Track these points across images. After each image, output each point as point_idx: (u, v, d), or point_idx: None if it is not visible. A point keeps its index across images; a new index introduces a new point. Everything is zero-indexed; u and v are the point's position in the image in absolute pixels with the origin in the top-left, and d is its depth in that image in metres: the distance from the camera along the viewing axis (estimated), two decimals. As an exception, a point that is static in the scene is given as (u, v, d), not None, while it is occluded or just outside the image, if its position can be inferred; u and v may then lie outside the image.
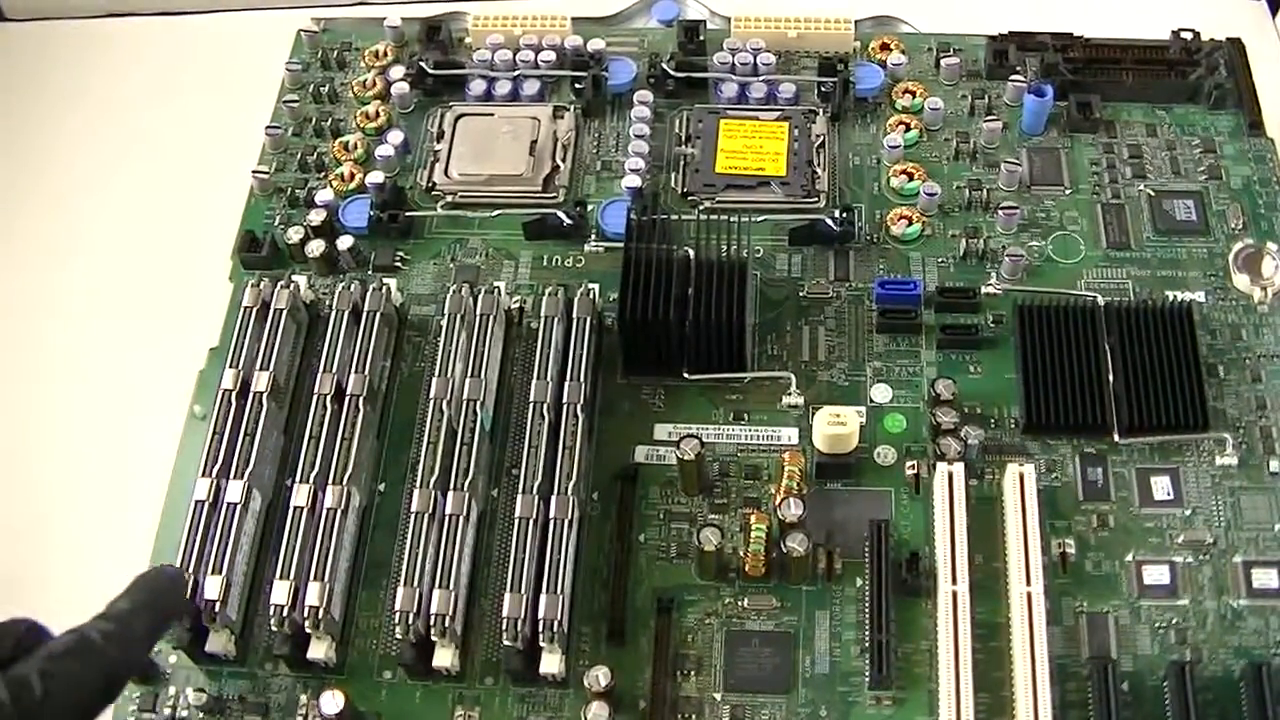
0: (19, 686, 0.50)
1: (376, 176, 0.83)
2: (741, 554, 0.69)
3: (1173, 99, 0.87)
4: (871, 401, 0.75)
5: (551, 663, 0.66)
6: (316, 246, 0.80)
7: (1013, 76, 0.87)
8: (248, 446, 0.70)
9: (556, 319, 0.74)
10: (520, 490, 0.69)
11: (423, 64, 0.89)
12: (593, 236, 0.82)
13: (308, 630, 0.66)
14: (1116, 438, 0.73)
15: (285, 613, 0.66)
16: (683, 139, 0.86)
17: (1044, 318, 0.76)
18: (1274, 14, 0.95)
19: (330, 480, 0.69)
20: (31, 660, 0.52)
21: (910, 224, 0.81)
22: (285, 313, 0.75)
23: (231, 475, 0.69)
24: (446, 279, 0.81)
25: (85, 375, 0.81)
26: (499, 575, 0.68)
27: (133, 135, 0.92)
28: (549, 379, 0.72)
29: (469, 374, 0.72)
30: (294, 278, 0.77)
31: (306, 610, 0.66)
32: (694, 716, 0.66)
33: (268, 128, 0.87)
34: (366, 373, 0.73)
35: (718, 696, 0.67)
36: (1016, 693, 0.63)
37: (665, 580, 0.70)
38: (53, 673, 0.51)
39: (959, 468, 0.69)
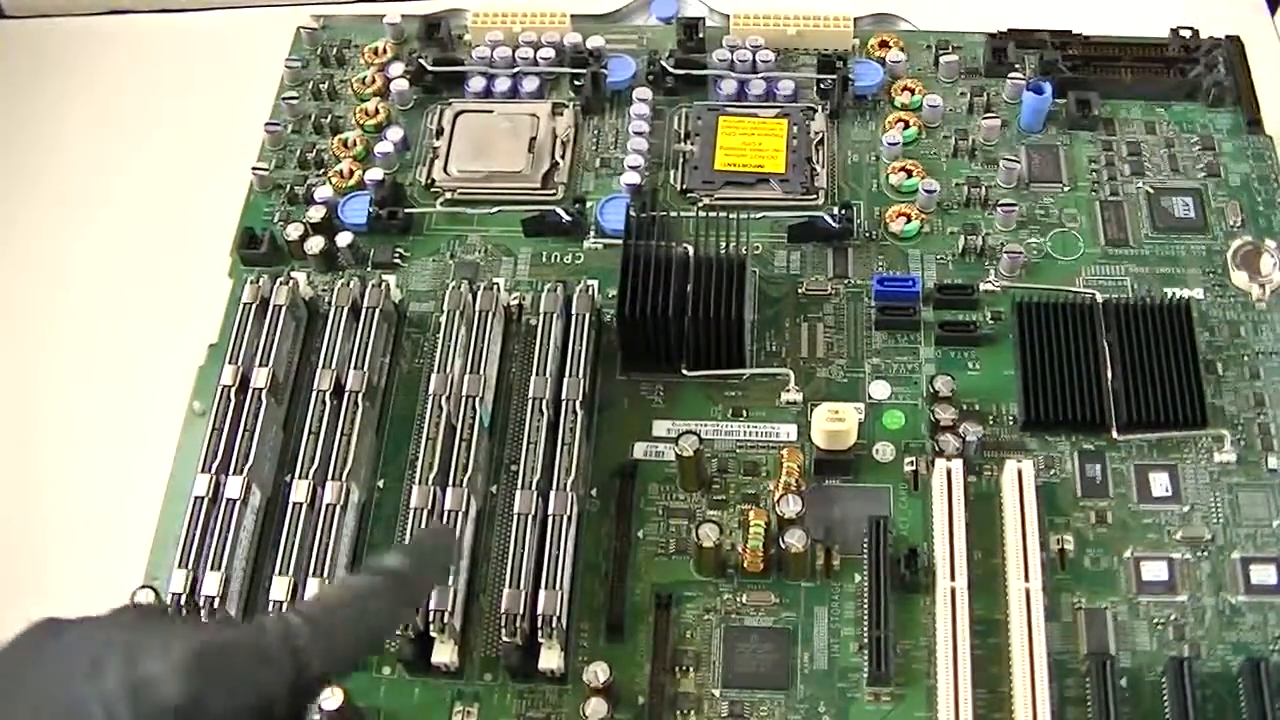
0: (294, 631, 0.51)
1: (376, 173, 0.83)
2: (740, 550, 0.69)
3: (1171, 96, 0.87)
4: (870, 398, 0.75)
5: (550, 658, 0.66)
6: (316, 243, 0.80)
7: (1011, 74, 0.87)
8: (247, 442, 0.70)
9: (555, 315, 0.74)
10: (519, 486, 0.69)
11: (422, 61, 0.89)
12: (592, 233, 0.82)
13: (307, 626, 0.66)
14: (1115, 434, 0.73)
15: (284, 609, 0.66)
16: (682, 136, 0.86)
17: (1042, 314, 0.76)
18: (1273, 12, 0.95)
19: (329, 476, 0.69)
20: (307, 608, 0.52)
21: (909, 221, 0.81)
22: (284, 309, 0.75)
23: (231, 471, 0.69)
24: (445, 275, 0.81)
25: (85, 371, 0.81)
26: (498, 571, 0.68)
27: (132, 132, 0.92)
28: (548, 375, 0.72)
29: (468, 370, 0.72)
30: (293, 274, 0.78)
31: (305, 606, 0.66)
32: (692, 712, 0.66)
33: (267, 124, 0.87)
34: (366, 369, 0.73)
35: (716, 692, 0.67)
36: (1015, 689, 0.63)
37: (664, 576, 0.70)
38: (324, 625, 0.52)
39: (957, 464, 0.69)
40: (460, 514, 0.68)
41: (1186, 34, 0.88)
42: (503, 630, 0.66)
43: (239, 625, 0.51)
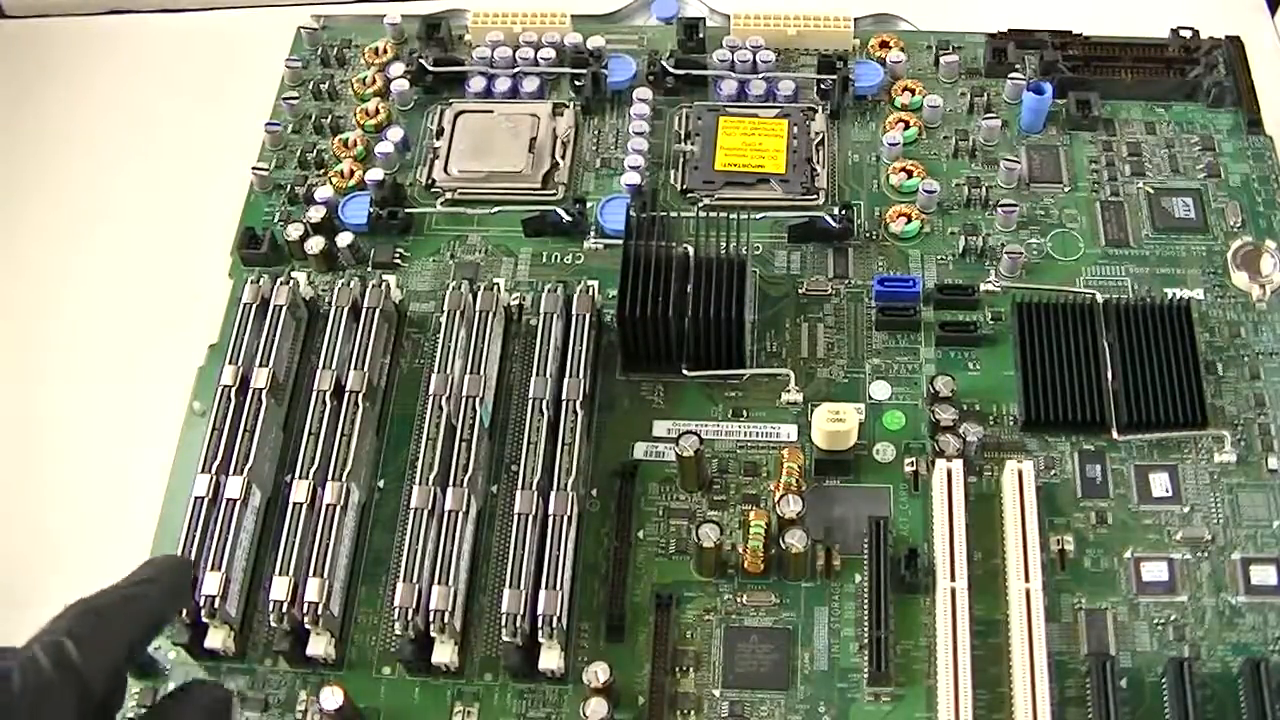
0: (55, 649, 0.51)
1: (376, 173, 0.83)
2: (740, 550, 0.69)
3: (1172, 97, 0.87)
4: (870, 398, 0.75)
5: (550, 659, 0.66)
6: (316, 243, 0.80)
7: (1012, 74, 0.87)
8: (247, 443, 0.70)
9: (556, 316, 0.74)
10: (519, 486, 0.69)
11: (422, 61, 0.89)
12: (592, 233, 0.82)
13: (307, 626, 0.66)
14: (1115, 435, 0.73)
15: (284, 609, 0.66)
16: (682, 136, 0.86)
17: (1043, 315, 0.76)
18: (1273, 12, 0.95)
19: (330, 476, 0.69)
20: (58, 622, 0.53)
21: (909, 221, 0.81)
22: (285, 309, 0.75)
23: (231, 471, 0.69)
24: (446, 276, 0.81)
25: (85, 371, 0.81)
26: (498, 571, 0.68)
27: (133, 132, 0.92)
28: (548, 375, 0.72)
29: (468, 370, 0.72)
30: (293, 274, 0.78)
31: (306, 606, 0.66)
32: (692, 712, 0.66)
33: (267, 124, 0.87)
34: (366, 369, 0.73)
35: (716, 693, 0.67)
36: (1015, 689, 0.63)
37: (664, 576, 0.70)
38: (79, 633, 0.52)
39: (958, 465, 0.69)
40: (460, 514, 0.68)
41: (1186, 34, 0.88)
42: (503, 630, 0.66)
43: (6, 659, 0.51)
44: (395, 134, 0.86)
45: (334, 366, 0.73)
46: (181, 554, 0.67)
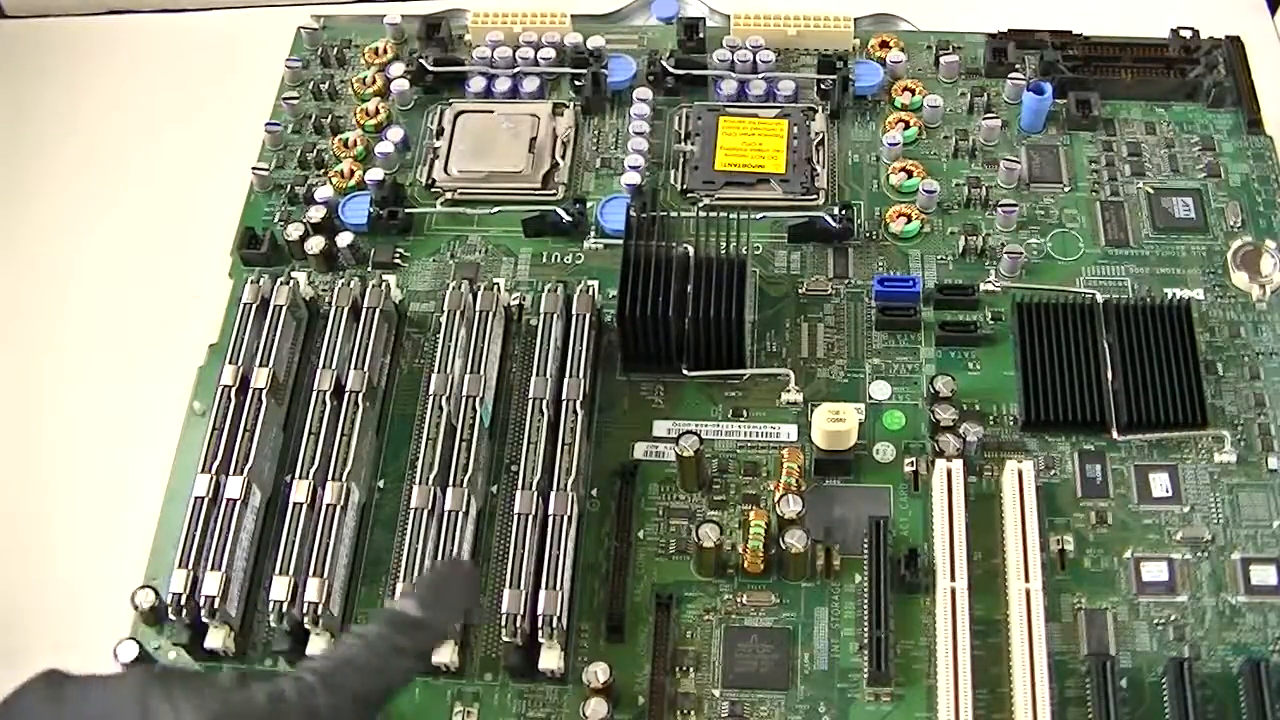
0: (308, 690, 0.51)
1: (376, 173, 0.83)
2: (740, 550, 0.69)
3: (1172, 97, 0.87)
4: (870, 398, 0.75)
5: (550, 659, 0.66)
6: (316, 243, 0.80)
7: (1012, 74, 0.87)
8: (247, 442, 0.70)
9: (556, 316, 0.74)
10: (519, 487, 0.69)
11: (422, 61, 0.89)
12: (592, 233, 0.82)
13: (307, 626, 0.66)
14: (1115, 435, 0.73)
15: (284, 609, 0.66)
16: (682, 136, 0.86)
17: (1043, 315, 0.76)
18: (1273, 12, 0.95)
19: (330, 476, 0.69)
20: (323, 665, 0.52)
21: (909, 221, 0.81)
22: (285, 309, 0.75)
23: (231, 471, 0.69)
24: (446, 276, 0.81)
25: (86, 371, 0.81)
26: (498, 571, 0.68)
27: (132, 132, 0.92)
28: (548, 375, 0.72)
29: (468, 370, 0.72)
30: (293, 274, 0.78)
31: (305, 606, 0.66)
32: (693, 713, 0.66)
33: (267, 124, 0.87)
34: (366, 369, 0.73)
35: (716, 693, 0.67)
36: (1015, 689, 0.63)
37: (664, 577, 0.70)
38: (339, 683, 0.52)
39: (958, 465, 0.69)
40: (460, 514, 0.68)
41: (1186, 34, 0.88)
42: (503, 630, 0.66)
43: (252, 685, 0.50)
44: (395, 134, 0.86)
45: (334, 366, 0.73)
46: (179, 560, 0.66)
